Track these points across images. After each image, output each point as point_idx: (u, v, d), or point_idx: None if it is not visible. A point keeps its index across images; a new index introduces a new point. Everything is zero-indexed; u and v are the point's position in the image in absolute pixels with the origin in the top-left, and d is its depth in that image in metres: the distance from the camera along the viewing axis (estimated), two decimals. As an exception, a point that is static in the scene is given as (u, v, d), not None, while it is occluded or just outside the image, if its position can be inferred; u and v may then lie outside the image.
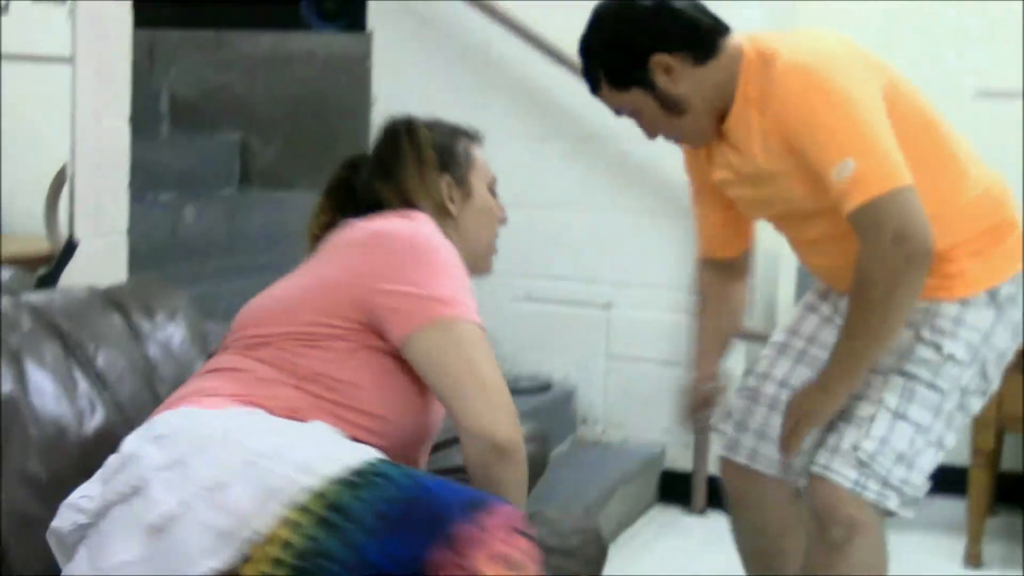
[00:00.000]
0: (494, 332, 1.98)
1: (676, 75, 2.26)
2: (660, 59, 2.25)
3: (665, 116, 2.30)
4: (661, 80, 2.26)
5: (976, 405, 2.39)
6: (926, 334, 2.30)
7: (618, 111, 2.36)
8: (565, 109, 4.11)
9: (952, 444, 2.37)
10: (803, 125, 2.18)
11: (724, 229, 2.55)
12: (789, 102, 2.18)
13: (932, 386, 2.30)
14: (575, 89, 4.06)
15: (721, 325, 2.63)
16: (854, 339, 2.24)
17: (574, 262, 4.17)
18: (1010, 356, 2.40)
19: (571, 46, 4.00)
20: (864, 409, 2.31)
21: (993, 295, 2.32)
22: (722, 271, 2.59)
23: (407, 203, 2.00)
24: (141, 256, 2.77)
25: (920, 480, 2.32)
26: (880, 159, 2.14)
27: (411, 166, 2.03)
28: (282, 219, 4.22)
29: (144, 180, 3.23)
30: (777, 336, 2.56)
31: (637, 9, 2.29)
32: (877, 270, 2.15)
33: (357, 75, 4.34)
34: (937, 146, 2.31)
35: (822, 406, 2.29)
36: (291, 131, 4.40)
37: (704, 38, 2.28)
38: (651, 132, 2.37)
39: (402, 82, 4.30)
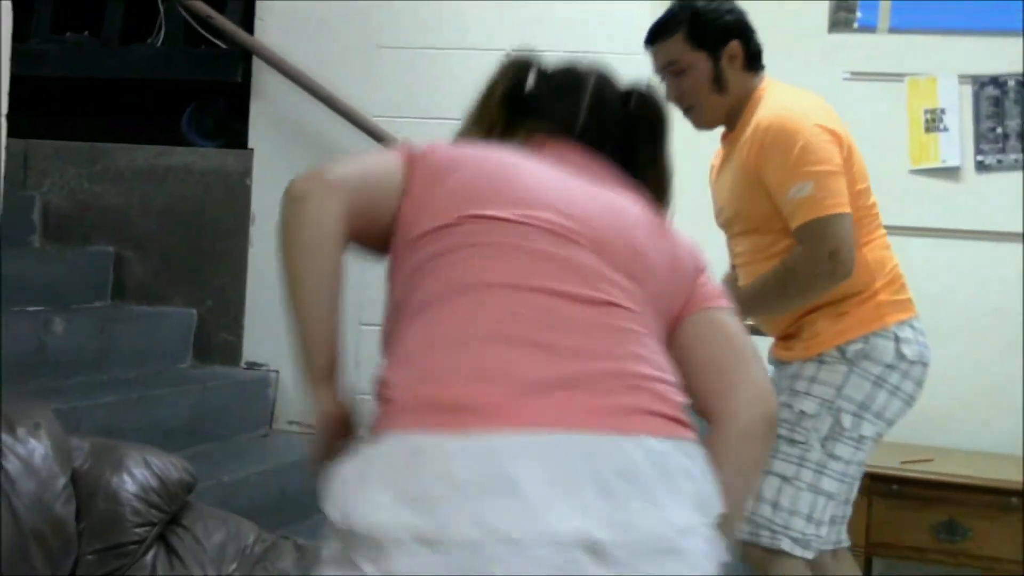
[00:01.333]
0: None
1: (735, 66, 2.79)
2: (735, 46, 2.78)
3: (707, 88, 2.79)
4: (725, 61, 2.78)
5: (845, 451, 2.72)
6: (783, 398, 2.70)
7: (668, 64, 2.79)
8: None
9: (835, 489, 2.74)
10: (774, 152, 2.66)
11: None
12: (766, 136, 2.67)
13: (791, 441, 2.71)
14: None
15: None
16: (756, 293, 2.70)
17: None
18: (882, 404, 2.73)
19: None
20: None
21: (843, 351, 2.73)
22: None
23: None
24: (7, 368, 2.70)
25: (801, 524, 2.69)
26: (832, 188, 2.62)
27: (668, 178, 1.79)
28: (154, 334, 4.16)
29: (13, 291, 3.16)
30: None
31: (738, 7, 2.85)
32: (807, 269, 2.63)
33: (236, 191, 4.33)
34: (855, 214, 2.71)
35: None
36: (167, 245, 4.35)
37: (759, 56, 2.84)
38: (681, 95, 2.80)
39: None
